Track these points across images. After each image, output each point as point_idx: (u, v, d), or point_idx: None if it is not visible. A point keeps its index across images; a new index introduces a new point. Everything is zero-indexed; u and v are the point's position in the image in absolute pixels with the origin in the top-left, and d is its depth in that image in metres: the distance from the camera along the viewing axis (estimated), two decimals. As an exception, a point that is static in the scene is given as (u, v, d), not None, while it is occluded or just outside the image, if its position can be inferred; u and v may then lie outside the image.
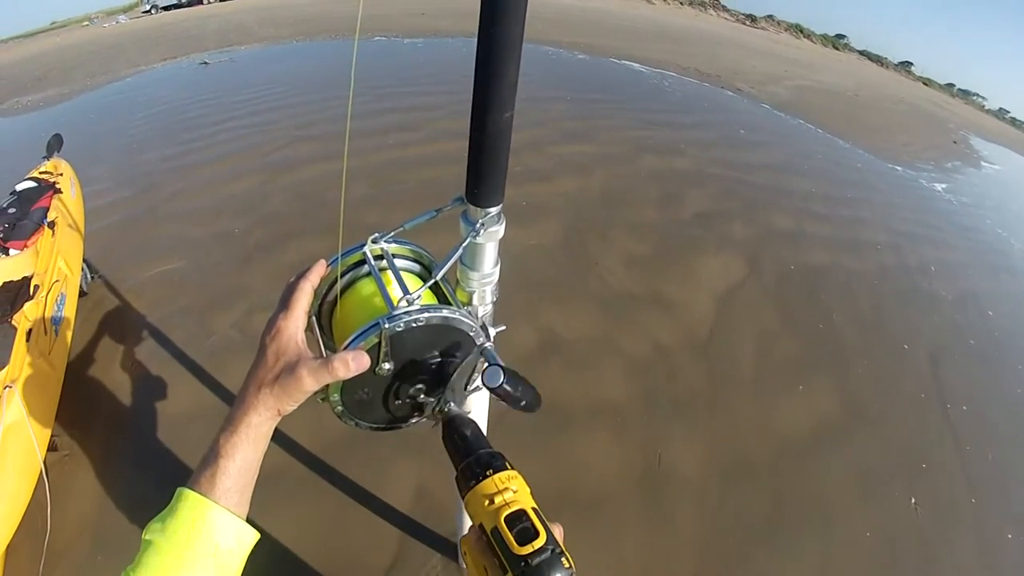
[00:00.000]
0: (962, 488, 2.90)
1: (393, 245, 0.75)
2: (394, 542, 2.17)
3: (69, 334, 2.80)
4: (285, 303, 0.65)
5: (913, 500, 2.73)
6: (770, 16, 40.90)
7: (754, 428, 2.95)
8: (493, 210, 0.65)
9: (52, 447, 2.33)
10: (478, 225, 0.64)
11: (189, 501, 0.57)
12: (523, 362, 3.10)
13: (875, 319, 4.18)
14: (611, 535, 2.31)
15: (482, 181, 0.61)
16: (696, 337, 3.54)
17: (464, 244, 0.66)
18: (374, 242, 0.73)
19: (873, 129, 11.42)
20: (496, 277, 0.74)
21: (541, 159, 5.88)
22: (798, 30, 40.73)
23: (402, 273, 0.71)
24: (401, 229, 0.74)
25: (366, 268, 0.73)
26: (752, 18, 39.53)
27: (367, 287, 0.72)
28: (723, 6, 39.88)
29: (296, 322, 0.64)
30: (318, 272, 0.69)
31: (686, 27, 24.45)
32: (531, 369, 3.03)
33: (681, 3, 37.82)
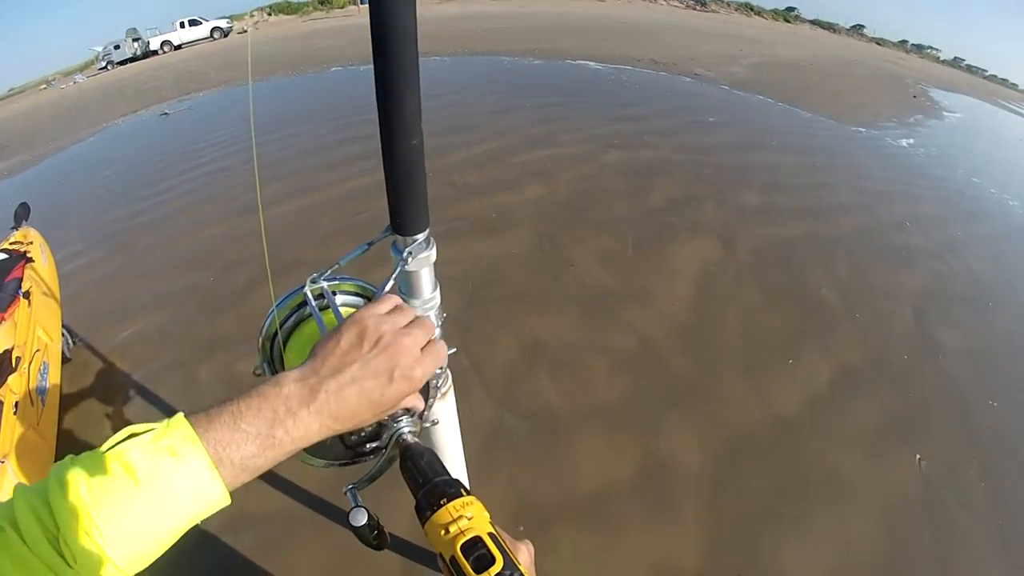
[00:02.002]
0: (965, 438, 2.92)
1: (334, 282, 0.76)
2: (397, 568, 2.17)
3: (56, 402, 2.78)
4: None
5: (918, 456, 2.75)
6: (719, -2, 41.36)
7: (749, 408, 2.96)
8: (420, 237, 0.66)
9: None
10: (406, 254, 0.66)
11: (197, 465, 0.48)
12: (508, 374, 3.11)
13: (856, 281, 4.22)
14: (615, 536, 2.31)
15: (402, 210, 0.63)
16: (680, 325, 3.55)
17: (395, 274, 0.68)
18: (313, 282, 0.74)
19: (832, 95, 11.57)
20: (437, 301, 0.76)
21: (505, 169, 5.91)
22: (748, 8, 41.23)
23: (345, 309, 0.72)
24: (337, 266, 0.76)
25: (308, 309, 0.74)
26: (702, 2, 39.93)
27: (311, 328, 0.74)
28: (672, -7, 40.25)
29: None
30: None
31: (638, 20, 24.67)
32: (517, 380, 3.05)
33: (631, -4, 38.17)
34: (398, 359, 0.57)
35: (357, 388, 0.55)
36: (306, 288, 0.74)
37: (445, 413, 0.91)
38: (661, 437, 2.75)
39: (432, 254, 0.68)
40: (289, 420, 0.52)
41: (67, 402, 3.03)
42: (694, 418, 2.88)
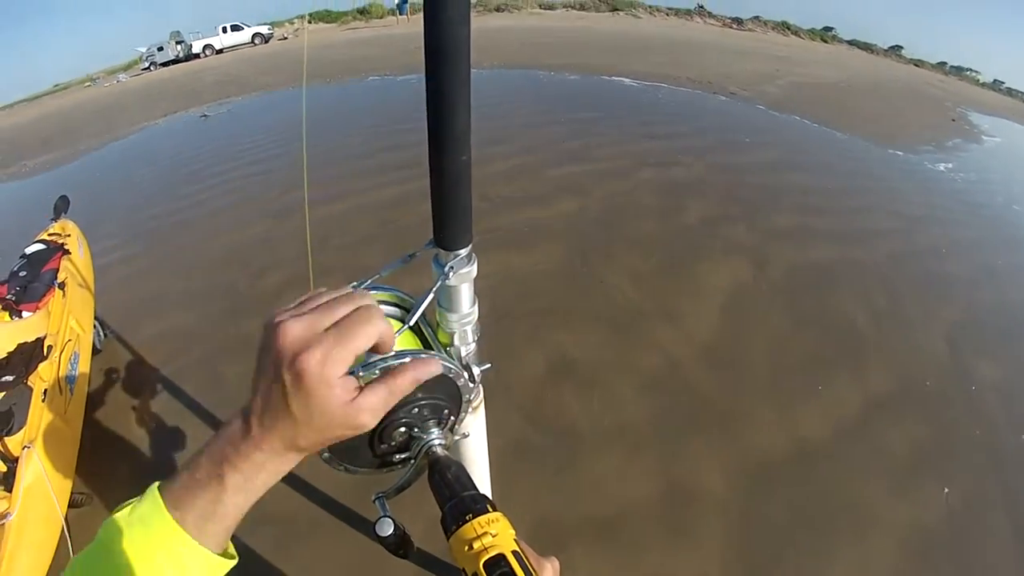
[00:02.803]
0: (994, 472, 2.85)
1: (373, 292, 0.76)
2: (412, 574, 2.17)
3: (85, 391, 2.85)
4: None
5: (946, 489, 2.68)
6: (756, 17, 41.01)
7: (775, 435, 2.91)
8: (462, 252, 0.66)
9: (73, 503, 2.36)
10: (447, 268, 0.65)
11: (168, 533, 0.46)
12: (534, 389, 3.10)
13: (889, 308, 4.13)
14: (633, 558, 2.28)
15: (447, 225, 0.62)
16: (708, 347, 3.51)
17: (435, 288, 0.67)
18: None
19: (869, 117, 11.38)
20: (475, 316, 0.75)
21: (539, 183, 5.93)
22: (785, 27, 40.77)
23: None
24: (378, 276, 0.75)
25: None
26: (738, 21, 39.65)
27: None
28: (708, 12, 40.01)
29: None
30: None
31: (674, 37, 24.62)
32: (542, 395, 3.05)
33: (667, 14, 38.08)
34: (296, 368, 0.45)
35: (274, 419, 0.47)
36: None
37: (475, 427, 0.90)
38: (684, 460, 2.71)
39: (473, 270, 0.68)
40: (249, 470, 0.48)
41: (95, 392, 3.11)
42: (719, 442, 2.84)
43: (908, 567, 2.33)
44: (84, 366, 2.91)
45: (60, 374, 2.57)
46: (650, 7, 39.20)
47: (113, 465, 2.71)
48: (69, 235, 3.47)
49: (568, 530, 2.35)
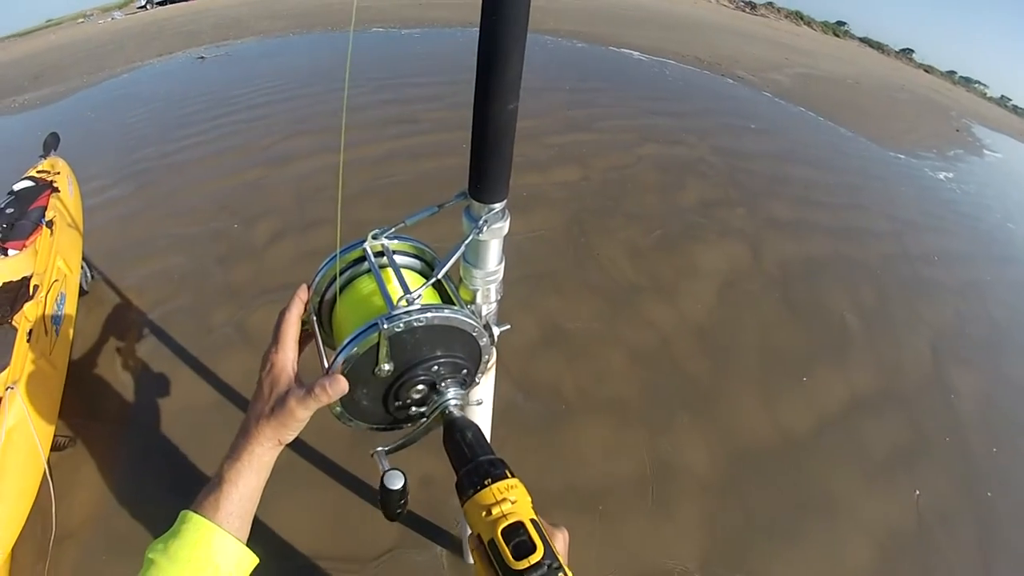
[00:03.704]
0: (964, 480, 2.91)
1: (394, 241, 0.73)
2: (395, 532, 2.18)
3: (70, 333, 2.80)
4: (275, 338, 0.67)
5: (917, 491, 2.74)
6: (770, 3, 40.55)
7: (758, 420, 2.95)
8: (497, 206, 0.63)
9: (56, 446, 2.33)
10: (481, 222, 0.62)
11: (192, 523, 0.59)
12: (525, 354, 3.10)
13: (877, 308, 4.16)
14: (613, 529, 2.31)
15: (485, 176, 0.59)
16: (699, 327, 3.53)
17: (467, 241, 0.64)
18: (374, 238, 0.71)
19: (875, 117, 11.33)
20: (501, 275, 0.72)
21: (541, 149, 5.84)
22: (798, 17, 40.39)
23: (403, 271, 0.69)
24: (402, 225, 0.73)
25: (366, 265, 0.71)
26: (752, 5, 39.15)
27: (366, 285, 0.71)
28: (722, -7, 39.48)
29: (286, 354, 0.66)
30: (300, 301, 0.70)
31: (685, 14, 24.20)
32: (533, 361, 3.06)
33: (680, -9, 37.44)
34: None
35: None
36: (366, 244, 0.71)
37: (484, 388, 0.89)
38: (668, 437, 2.74)
39: (506, 225, 0.65)
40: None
41: (81, 334, 3.05)
42: (703, 422, 2.87)
43: (874, 562, 2.39)
44: (70, 307, 2.84)
45: (46, 315, 2.51)
46: (664, -18, 38.48)
47: (97, 409, 2.67)
48: (59, 173, 3.37)
49: (549, 496, 2.38)
